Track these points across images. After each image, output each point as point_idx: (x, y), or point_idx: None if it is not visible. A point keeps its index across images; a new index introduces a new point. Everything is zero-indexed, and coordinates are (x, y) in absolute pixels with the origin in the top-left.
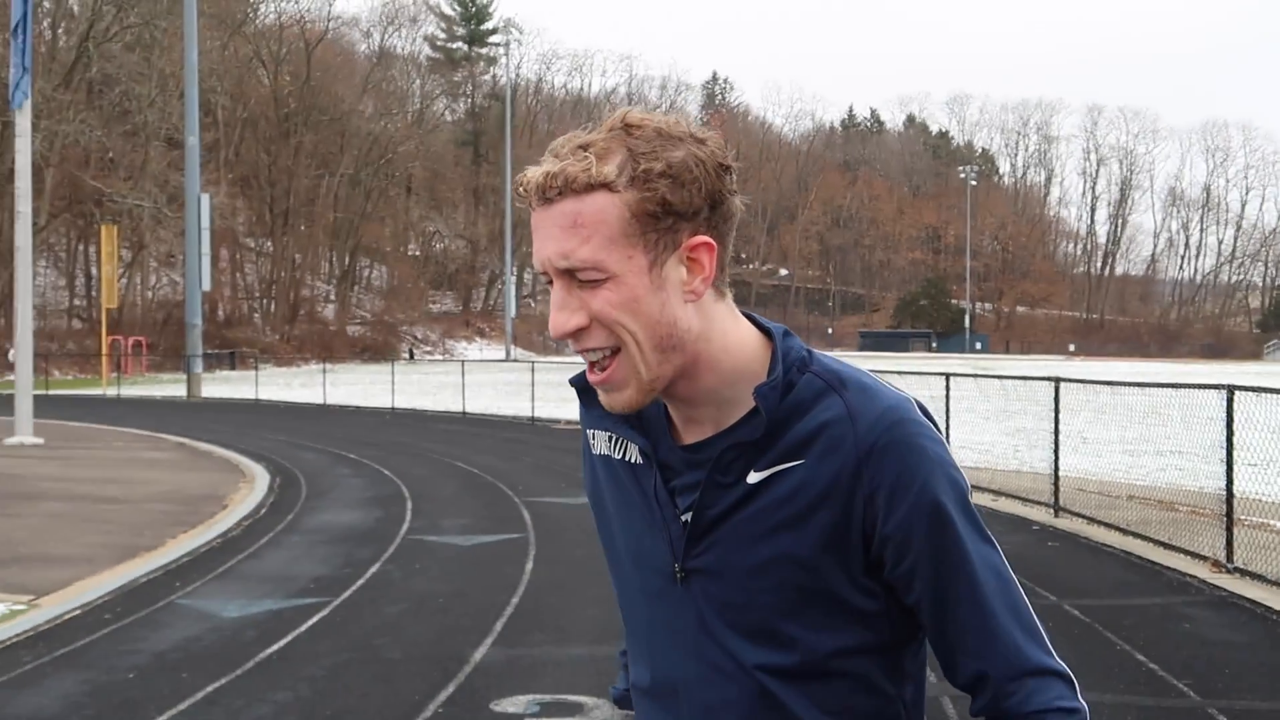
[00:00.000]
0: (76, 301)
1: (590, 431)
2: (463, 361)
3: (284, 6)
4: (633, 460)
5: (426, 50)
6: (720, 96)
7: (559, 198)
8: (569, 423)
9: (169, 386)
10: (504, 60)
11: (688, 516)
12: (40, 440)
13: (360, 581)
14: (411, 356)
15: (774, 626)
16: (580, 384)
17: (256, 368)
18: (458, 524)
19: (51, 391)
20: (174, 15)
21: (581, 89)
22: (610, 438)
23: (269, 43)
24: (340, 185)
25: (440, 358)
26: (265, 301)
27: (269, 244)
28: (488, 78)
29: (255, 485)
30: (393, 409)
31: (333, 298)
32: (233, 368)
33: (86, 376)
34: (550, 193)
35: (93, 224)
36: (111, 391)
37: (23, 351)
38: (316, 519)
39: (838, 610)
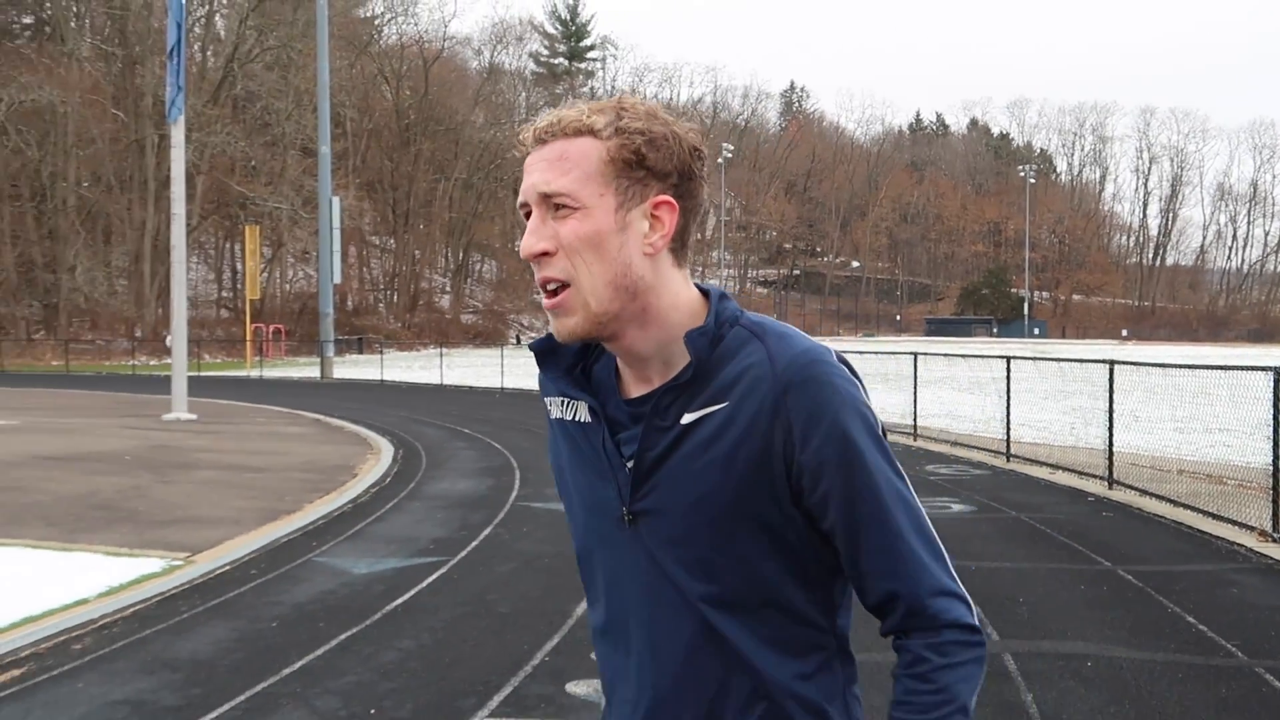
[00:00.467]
0: (224, 293)
1: (547, 400)
2: None
3: (405, 28)
4: (583, 419)
5: (531, 65)
6: (797, 104)
7: (552, 139)
8: None
9: (304, 369)
10: (601, 74)
11: (629, 464)
12: (194, 416)
13: (474, 543)
14: (519, 341)
15: (712, 558)
16: (539, 347)
17: (381, 352)
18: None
19: (203, 373)
20: (308, 38)
21: (671, 99)
22: (563, 402)
23: (391, 61)
24: (455, 188)
25: None
26: (388, 293)
27: (391, 241)
28: (586, 90)
29: (381, 457)
30: (502, 389)
31: (448, 289)
32: (360, 352)
33: (233, 360)
34: (546, 135)
35: (238, 224)
36: (254, 373)
37: (178, 337)
38: (435, 487)
39: (768, 541)
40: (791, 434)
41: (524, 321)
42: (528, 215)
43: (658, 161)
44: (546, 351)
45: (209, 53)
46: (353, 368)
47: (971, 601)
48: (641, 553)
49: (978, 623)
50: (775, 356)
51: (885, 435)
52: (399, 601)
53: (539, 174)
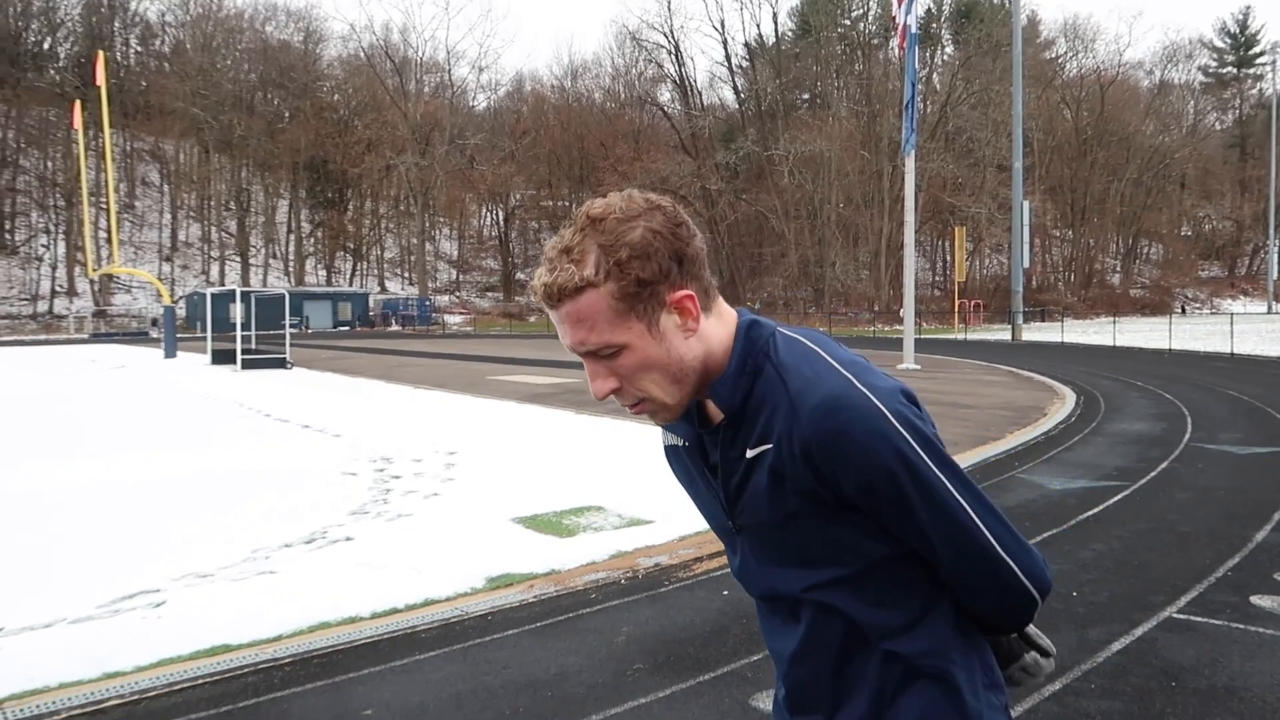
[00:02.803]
0: (936, 278)
1: (663, 430)
2: (1230, 315)
3: (1083, 62)
4: (685, 445)
5: (1199, 77)
6: None
7: (560, 303)
8: None
9: (997, 333)
10: (1270, 75)
11: (722, 487)
12: (918, 366)
13: (1152, 474)
14: (1184, 311)
15: (810, 555)
16: None
17: (1061, 320)
18: (1232, 437)
19: (922, 336)
20: (1004, 81)
21: None
22: (670, 431)
23: (1071, 90)
24: (1125, 186)
25: (1207, 312)
26: (1066, 273)
27: (1070, 233)
28: (1254, 91)
29: (1065, 401)
30: (1169, 350)
31: (1118, 269)
32: (1042, 320)
33: (943, 327)
34: (553, 300)
35: (948, 227)
36: (959, 336)
37: (908, 310)
38: (1114, 427)
39: (851, 538)
40: (825, 478)
41: (1188, 294)
42: (584, 354)
43: (654, 272)
44: None
45: (928, 102)
46: (1037, 333)
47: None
48: (752, 558)
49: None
50: (798, 409)
51: (924, 440)
52: (1090, 513)
53: (571, 336)
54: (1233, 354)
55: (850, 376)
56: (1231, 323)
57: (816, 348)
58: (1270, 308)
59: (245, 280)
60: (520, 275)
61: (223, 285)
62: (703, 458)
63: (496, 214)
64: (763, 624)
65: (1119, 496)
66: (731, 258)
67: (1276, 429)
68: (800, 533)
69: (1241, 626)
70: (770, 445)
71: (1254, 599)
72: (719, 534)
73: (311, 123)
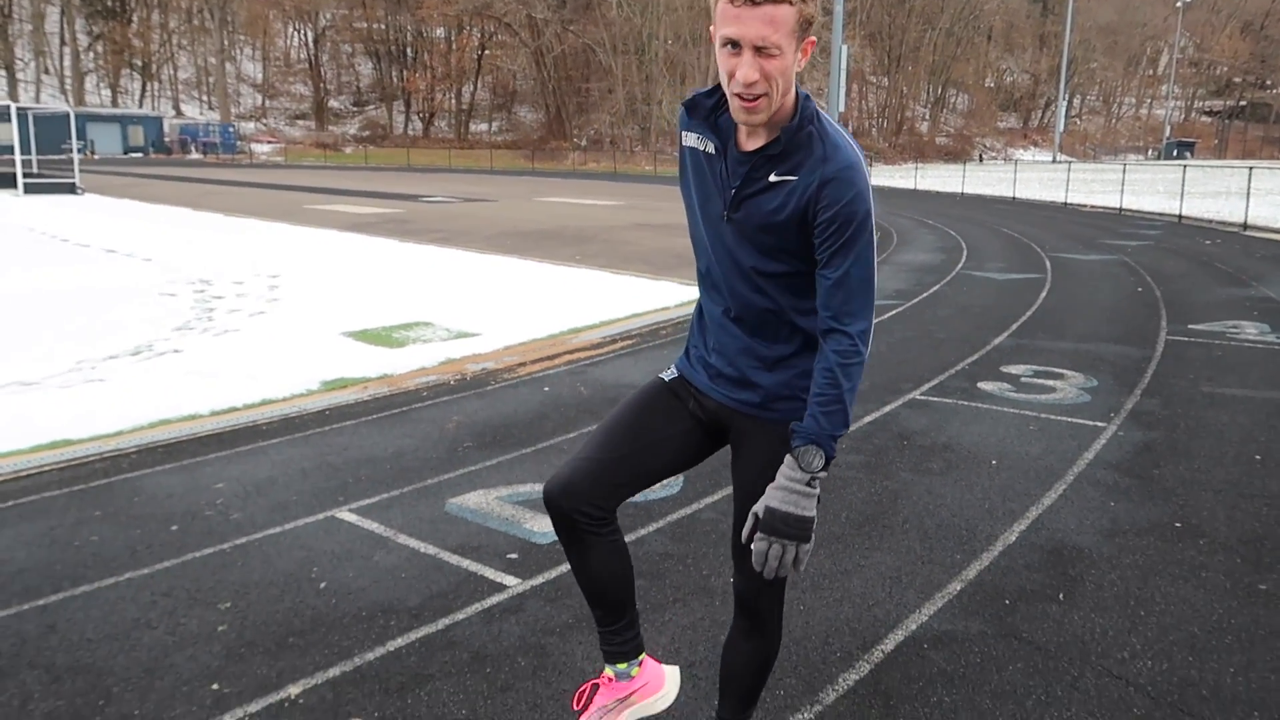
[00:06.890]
0: None
1: (685, 133)
2: (1016, 162)
3: None
4: (710, 152)
5: None
6: None
7: (765, 3)
8: (1094, 207)
9: None
10: None
11: (733, 190)
12: None
13: (924, 294)
14: (980, 159)
15: (771, 250)
16: (689, 102)
17: (871, 165)
18: (996, 266)
19: None
20: None
21: None
22: (698, 136)
23: None
24: (938, 36)
25: (1001, 161)
26: (880, 120)
27: (885, 80)
28: None
29: None
30: (962, 194)
31: (927, 118)
32: None
33: None
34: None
35: None
36: None
37: None
38: (901, 258)
39: (804, 250)
40: (820, 204)
41: (987, 143)
42: (731, 46)
43: (814, 17)
44: (693, 105)
45: None
46: None
47: (866, 331)
48: (729, 238)
49: (858, 347)
50: (829, 158)
51: (872, 219)
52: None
53: (758, 29)
54: (1014, 198)
55: (861, 158)
56: (1016, 169)
57: (844, 131)
58: (1055, 157)
59: (13, 98)
60: (334, 103)
61: None
62: (723, 162)
63: (305, 34)
64: (706, 296)
65: (892, 312)
66: (558, 91)
67: (1035, 259)
68: (773, 234)
69: (966, 403)
70: (796, 178)
71: (980, 384)
72: (703, 222)
73: None
